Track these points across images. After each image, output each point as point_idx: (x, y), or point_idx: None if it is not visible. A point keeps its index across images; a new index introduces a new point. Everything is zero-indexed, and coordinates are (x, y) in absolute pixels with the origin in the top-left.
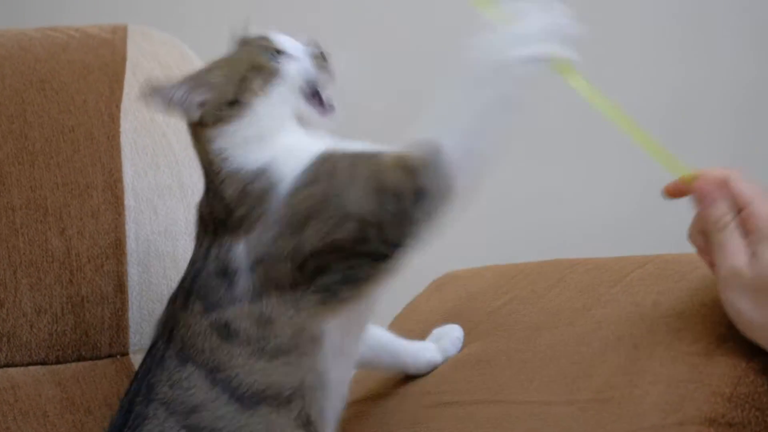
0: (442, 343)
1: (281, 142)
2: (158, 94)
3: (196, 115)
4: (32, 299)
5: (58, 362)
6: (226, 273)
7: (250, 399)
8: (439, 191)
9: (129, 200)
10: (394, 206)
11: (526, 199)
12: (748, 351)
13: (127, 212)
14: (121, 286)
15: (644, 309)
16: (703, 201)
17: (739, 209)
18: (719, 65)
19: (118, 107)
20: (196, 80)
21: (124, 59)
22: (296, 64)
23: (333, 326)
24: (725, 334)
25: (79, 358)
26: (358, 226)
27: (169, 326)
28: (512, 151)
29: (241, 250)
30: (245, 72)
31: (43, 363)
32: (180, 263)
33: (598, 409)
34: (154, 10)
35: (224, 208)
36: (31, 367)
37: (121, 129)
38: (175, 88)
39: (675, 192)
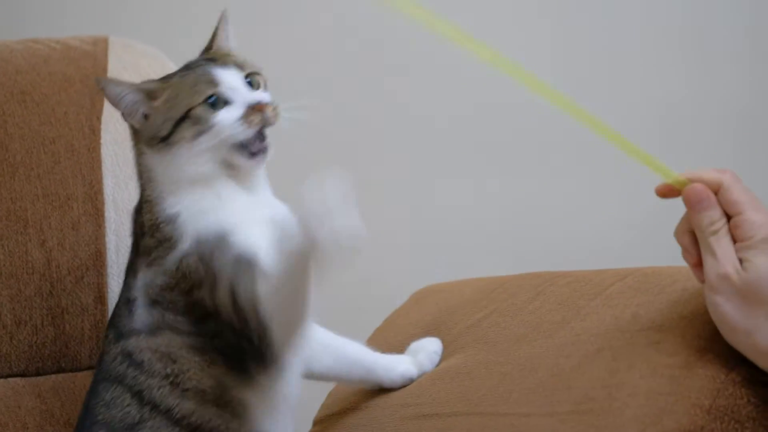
0: (418, 357)
1: (196, 196)
2: (109, 88)
3: (137, 123)
4: (12, 311)
5: (37, 374)
6: (128, 301)
7: (189, 429)
8: (258, 326)
9: (109, 212)
10: (241, 314)
11: (506, 212)
12: (728, 363)
13: (107, 224)
14: (101, 298)
15: (624, 322)
16: (695, 206)
17: (731, 215)
18: (715, 78)
19: (98, 119)
20: (147, 94)
21: (105, 71)
22: (229, 121)
23: (253, 397)
24: (704, 346)
25: (59, 370)
26: (223, 314)
27: (100, 354)
28: (492, 165)
29: (139, 282)
30: (181, 115)
31: (23, 375)
32: None
33: (577, 422)
34: (135, 22)
35: (140, 227)
36: (10, 379)
37: (102, 141)
38: (128, 91)
39: (668, 192)
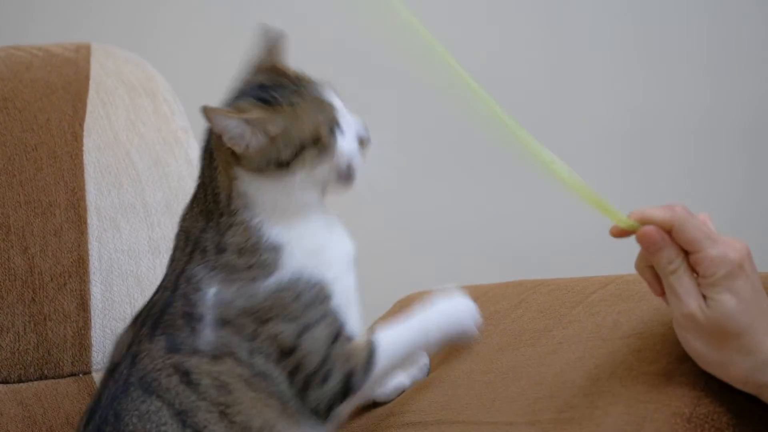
0: (410, 370)
1: (301, 229)
2: (218, 121)
3: (241, 150)
4: None
5: (20, 381)
6: (191, 317)
7: None
8: (357, 383)
9: (92, 219)
10: (326, 370)
11: (490, 220)
12: (708, 372)
13: (90, 231)
14: (83, 305)
15: (605, 330)
16: (650, 248)
17: (689, 252)
18: (675, 89)
19: (81, 126)
20: (259, 125)
21: (87, 78)
22: (348, 146)
23: None
24: (684, 354)
25: (42, 377)
26: (296, 360)
27: (133, 351)
28: (476, 173)
29: (211, 296)
30: (306, 142)
31: (5, 382)
32: (143, 282)
33: (559, 430)
34: (118, 29)
35: (217, 243)
36: None
37: (84, 148)
38: (236, 124)
39: (621, 234)
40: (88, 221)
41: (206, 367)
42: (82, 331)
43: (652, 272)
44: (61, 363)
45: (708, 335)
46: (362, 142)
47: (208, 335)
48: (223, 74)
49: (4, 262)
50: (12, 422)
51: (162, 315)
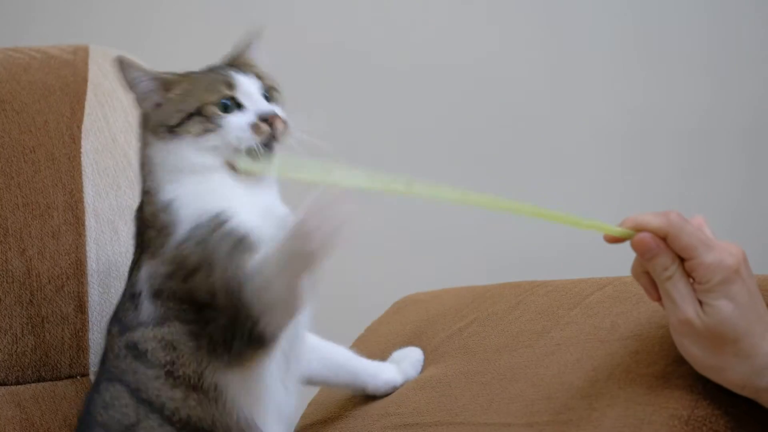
0: (402, 365)
1: (193, 184)
2: (128, 71)
3: (148, 110)
4: None
5: (17, 383)
6: (133, 296)
7: (180, 425)
8: (257, 305)
9: (90, 221)
10: (236, 296)
11: (487, 222)
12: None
13: (87, 233)
14: (81, 307)
15: (603, 331)
16: (644, 255)
17: (684, 259)
18: (674, 90)
19: (79, 128)
20: (163, 84)
21: (85, 80)
22: (236, 123)
23: (231, 382)
24: (682, 356)
25: (39, 379)
26: (219, 297)
27: (104, 351)
28: (473, 175)
29: (143, 274)
30: (193, 110)
31: (3, 384)
32: None
33: (557, 431)
34: (116, 31)
35: (142, 223)
36: None
37: (82, 150)
38: (144, 78)
39: (616, 241)
40: (86, 223)
41: (151, 333)
42: (80, 334)
43: (648, 278)
44: (58, 365)
45: (705, 341)
46: (263, 124)
47: (147, 307)
48: None
49: (1, 264)
50: (9, 424)
51: (117, 308)
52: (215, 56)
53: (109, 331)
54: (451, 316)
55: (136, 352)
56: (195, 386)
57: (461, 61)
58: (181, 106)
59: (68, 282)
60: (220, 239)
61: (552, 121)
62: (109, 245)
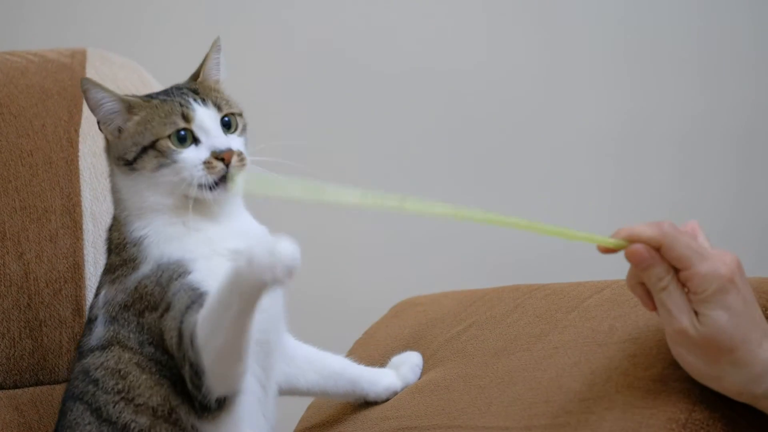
0: (401, 370)
1: (162, 224)
2: (95, 92)
3: (110, 135)
4: None
5: (15, 387)
6: (90, 320)
7: None
8: (194, 362)
9: (87, 224)
10: (186, 349)
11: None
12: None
13: (85, 236)
14: (79, 311)
15: (601, 335)
16: (639, 266)
17: (679, 269)
18: (667, 94)
19: (76, 131)
20: (127, 108)
21: None
22: (191, 162)
23: (207, 427)
24: None
25: (37, 383)
26: (169, 343)
27: (69, 367)
28: (470, 179)
29: (101, 297)
30: (148, 143)
31: (1, 387)
32: None
33: None
34: (113, 34)
35: (109, 244)
36: None
37: (80, 153)
38: (109, 99)
39: (609, 251)
40: (84, 227)
41: (97, 360)
42: (78, 337)
43: (643, 288)
44: (56, 369)
45: (701, 350)
46: (216, 161)
47: (98, 332)
48: None
49: None
50: (8, 428)
51: (83, 332)
52: None
53: (74, 356)
54: (450, 320)
55: (89, 377)
56: (165, 418)
57: (452, 66)
58: (137, 139)
59: (66, 285)
60: (179, 290)
61: (544, 126)
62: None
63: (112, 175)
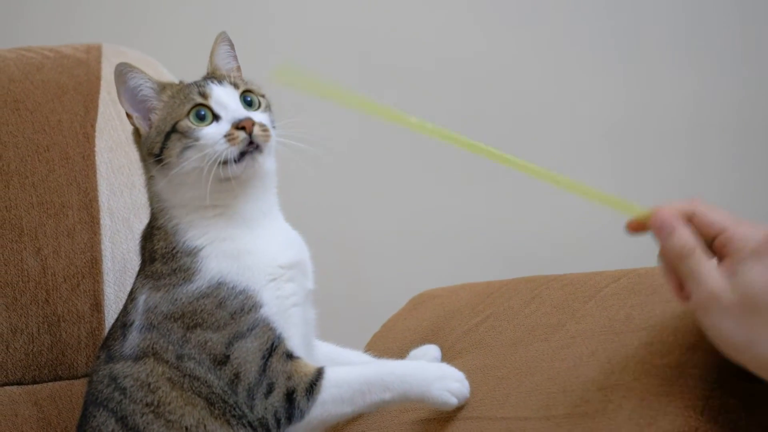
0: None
1: (218, 235)
2: (133, 75)
3: (142, 128)
4: (8, 319)
5: (34, 382)
6: (125, 325)
7: None
8: (300, 406)
9: (105, 219)
10: (268, 383)
11: (502, 216)
12: (719, 359)
13: (102, 231)
14: (97, 305)
15: (617, 323)
16: (661, 232)
17: (714, 236)
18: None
19: (93, 127)
20: (160, 89)
21: (98, 79)
22: (214, 137)
23: None
24: (696, 344)
25: (56, 378)
26: (233, 370)
27: (91, 370)
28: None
29: (140, 304)
30: (170, 128)
31: (20, 383)
32: None
33: (573, 424)
34: (129, 29)
35: (150, 251)
36: (7, 388)
37: (96, 148)
38: (147, 82)
39: (637, 227)
40: (101, 222)
41: (128, 370)
42: (96, 332)
43: (675, 278)
44: (75, 364)
45: (737, 311)
46: (237, 131)
47: (133, 339)
48: None
49: (17, 263)
50: (27, 423)
51: (110, 331)
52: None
53: (98, 356)
54: (468, 312)
55: (116, 384)
56: None
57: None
58: (161, 127)
59: (84, 280)
60: (254, 326)
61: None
62: (124, 243)
63: (150, 182)
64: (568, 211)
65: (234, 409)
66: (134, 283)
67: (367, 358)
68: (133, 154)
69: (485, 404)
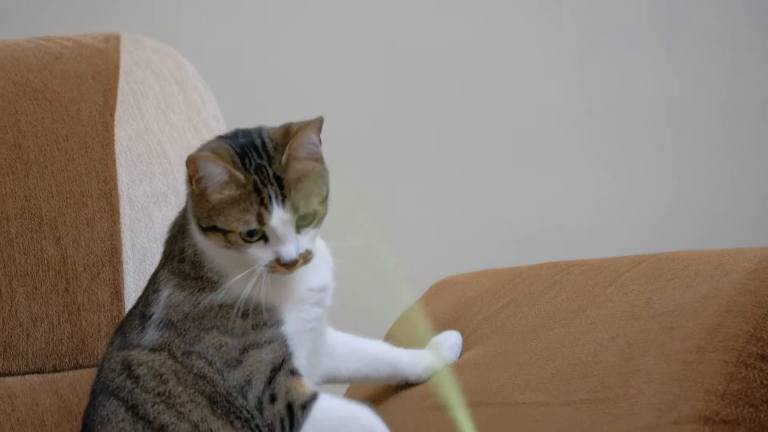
0: (441, 349)
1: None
2: (205, 166)
3: (197, 188)
4: (28, 308)
5: (54, 371)
6: (144, 316)
7: None
8: (294, 419)
9: (124, 208)
10: (271, 393)
11: (522, 203)
12: (738, 343)
13: (122, 220)
14: (117, 294)
15: (638, 308)
16: None
17: None
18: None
19: (112, 116)
20: (227, 181)
21: (117, 68)
22: (255, 260)
23: None
24: (716, 327)
25: (76, 366)
26: (244, 376)
27: (102, 358)
28: (508, 161)
29: (162, 299)
30: (219, 227)
31: (40, 372)
32: None
33: (594, 410)
34: (147, 18)
35: (180, 251)
36: (27, 376)
37: (116, 137)
38: (220, 171)
39: None
40: (121, 210)
41: (143, 357)
42: (116, 320)
43: None
44: (95, 352)
45: None
46: (279, 266)
47: (151, 334)
48: (251, 62)
49: (37, 252)
50: (47, 412)
51: (127, 317)
52: (246, 42)
53: (111, 341)
54: (488, 298)
55: (129, 371)
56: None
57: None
58: (213, 216)
59: (104, 269)
60: (272, 340)
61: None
62: (143, 232)
63: (189, 227)
64: (589, 198)
65: (241, 411)
66: (158, 273)
67: (386, 346)
68: (153, 143)
69: (506, 390)
